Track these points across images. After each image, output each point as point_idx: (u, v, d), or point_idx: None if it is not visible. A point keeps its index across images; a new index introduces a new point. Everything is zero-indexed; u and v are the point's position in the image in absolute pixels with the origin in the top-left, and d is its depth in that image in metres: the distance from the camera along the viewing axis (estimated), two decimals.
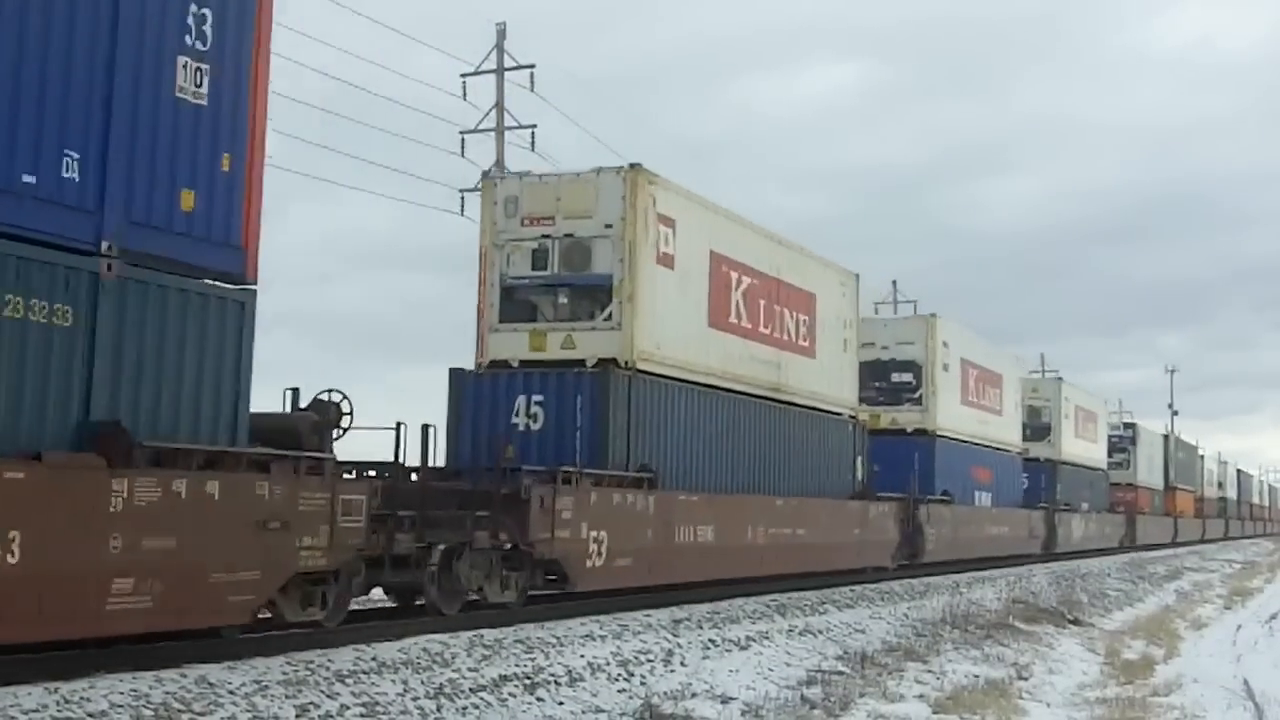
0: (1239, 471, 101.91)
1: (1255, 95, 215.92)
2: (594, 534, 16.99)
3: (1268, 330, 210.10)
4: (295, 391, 13.86)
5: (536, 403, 17.78)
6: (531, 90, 32.27)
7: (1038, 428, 43.15)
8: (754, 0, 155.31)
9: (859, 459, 26.13)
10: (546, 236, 18.46)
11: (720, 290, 20.64)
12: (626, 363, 18.10)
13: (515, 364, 18.35)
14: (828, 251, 25.39)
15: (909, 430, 31.09)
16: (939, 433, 31.52)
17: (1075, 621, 21.98)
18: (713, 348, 20.37)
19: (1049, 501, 41.69)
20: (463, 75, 32.41)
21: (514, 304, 18.73)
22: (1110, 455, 54.70)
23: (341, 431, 13.40)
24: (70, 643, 10.29)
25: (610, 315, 18.18)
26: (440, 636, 13.23)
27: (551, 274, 18.43)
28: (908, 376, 31.28)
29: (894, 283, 57.19)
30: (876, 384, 30.72)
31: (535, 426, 17.67)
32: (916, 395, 31.19)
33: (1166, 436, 68.96)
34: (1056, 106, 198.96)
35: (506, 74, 32.45)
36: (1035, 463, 41.94)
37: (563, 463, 16.82)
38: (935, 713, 12.25)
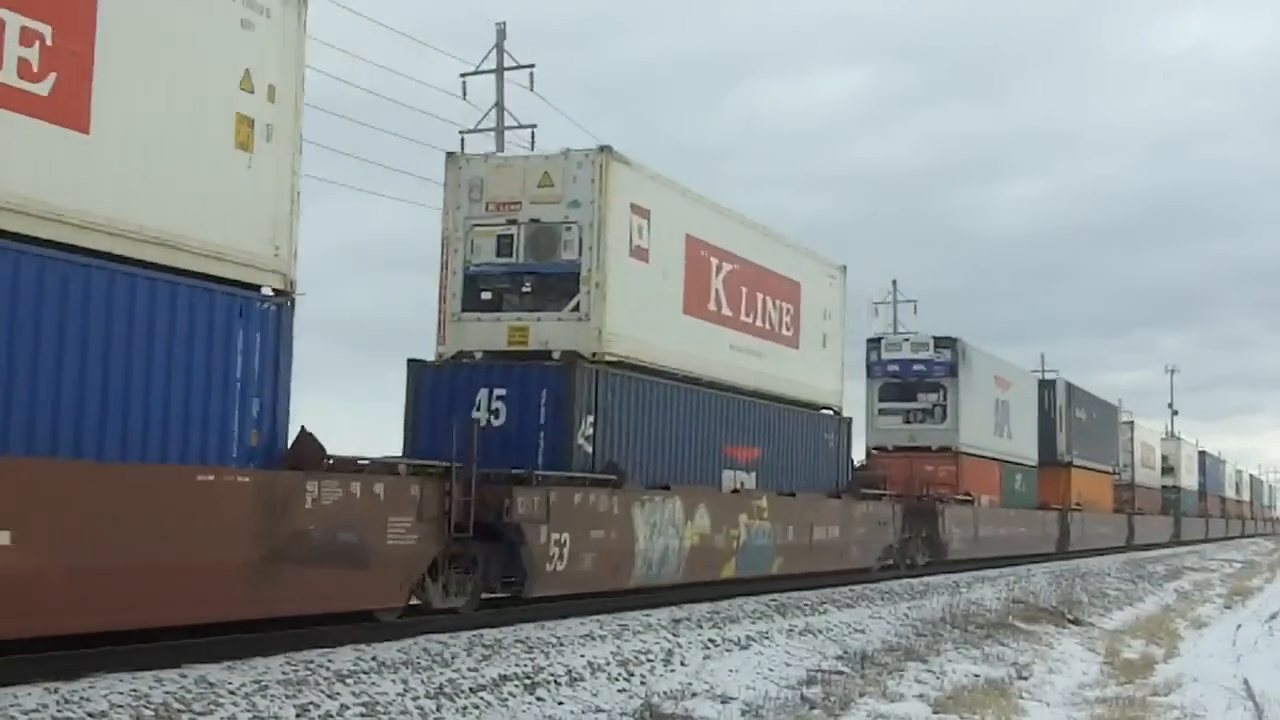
0: (1203, 454, 77.43)
1: (1256, 99, 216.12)
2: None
3: (1268, 331, 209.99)
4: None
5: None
6: (531, 89, 32.29)
7: (552, 277, 17.68)
8: (764, 6, 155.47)
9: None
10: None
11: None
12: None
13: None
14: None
15: None
16: None
17: (1075, 621, 21.98)
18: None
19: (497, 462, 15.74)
20: (462, 75, 32.35)
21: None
22: (906, 398, 34.13)
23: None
24: (84, 639, 10.31)
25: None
26: (440, 636, 13.24)
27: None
28: None
29: (894, 282, 57.17)
30: None
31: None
32: None
33: (1050, 383, 45.01)
34: (1060, 111, 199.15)
35: (506, 74, 32.47)
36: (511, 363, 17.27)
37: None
38: (935, 712, 12.24)
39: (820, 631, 17.05)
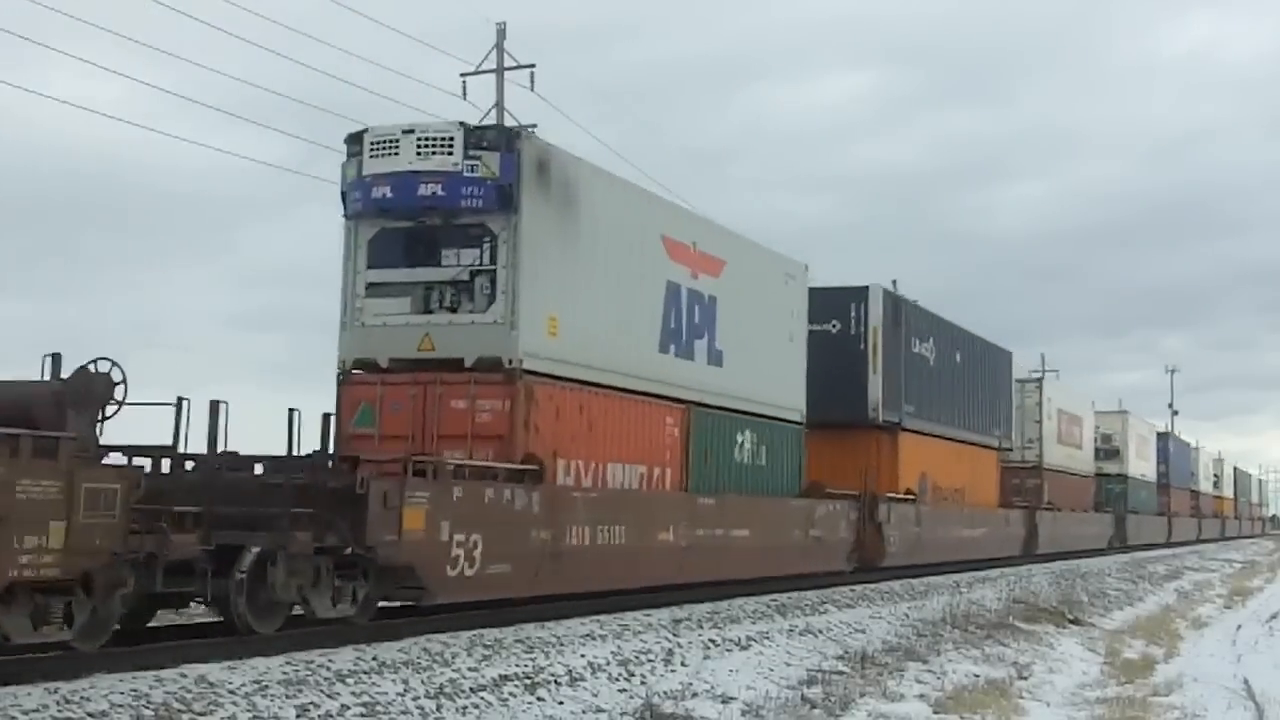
0: (1164, 436, 62.32)
1: (1258, 102, 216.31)
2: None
3: (1268, 331, 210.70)
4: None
5: None
6: (532, 90, 32.29)
7: None
8: (768, 10, 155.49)
9: None
10: None
11: None
12: None
13: None
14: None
15: None
16: None
17: (1075, 621, 21.98)
18: None
19: None
20: (463, 75, 32.36)
21: None
22: (419, 258, 16.16)
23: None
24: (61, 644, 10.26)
25: None
26: (441, 636, 13.25)
27: None
28: None
29: (894, 281, 57.01)
30: None
31: None
32: None
33: (857, 290, 26.88)
34: (1062, 113, 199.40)
35: (507, 74, 32.46)
36: None
37: None
38: (936, 712, 12.25)
39: (820, 631, 17.03)
